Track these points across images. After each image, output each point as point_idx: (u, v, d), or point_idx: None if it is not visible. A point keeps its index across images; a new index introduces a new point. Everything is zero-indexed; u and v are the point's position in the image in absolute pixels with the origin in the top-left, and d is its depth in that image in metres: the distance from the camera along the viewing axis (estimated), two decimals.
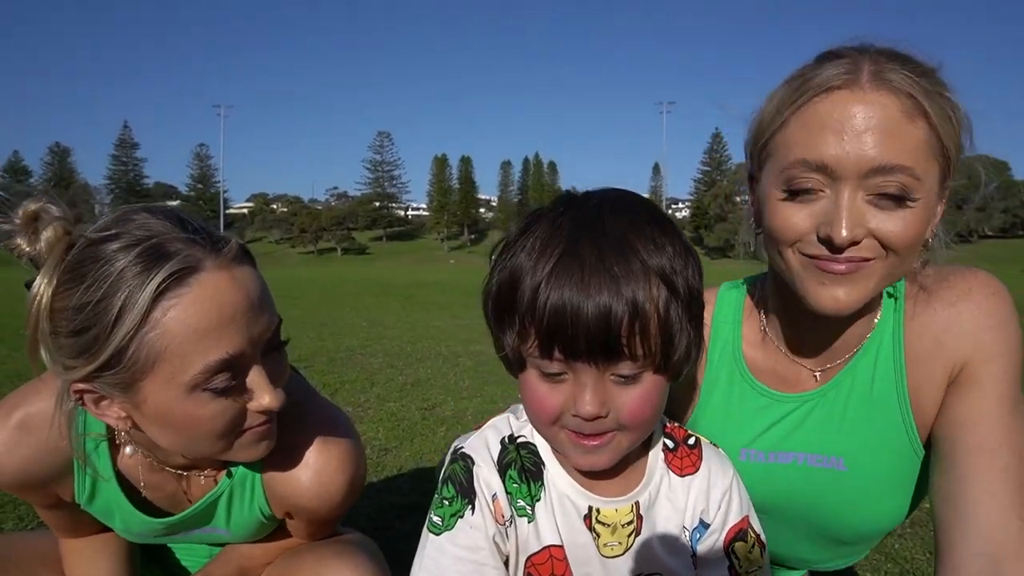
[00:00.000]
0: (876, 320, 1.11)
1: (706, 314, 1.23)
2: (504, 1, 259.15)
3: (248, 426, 0.96)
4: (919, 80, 0.90)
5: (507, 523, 0.92)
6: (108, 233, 0.88)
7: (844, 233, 0.91)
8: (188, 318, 0.85)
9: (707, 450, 1.02)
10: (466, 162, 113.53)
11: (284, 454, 1.09)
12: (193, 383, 0.87)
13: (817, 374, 1.15)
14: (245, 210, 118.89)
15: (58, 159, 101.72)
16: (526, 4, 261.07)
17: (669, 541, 0.96)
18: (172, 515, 1.14)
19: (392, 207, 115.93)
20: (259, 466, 1.12)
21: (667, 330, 0.79)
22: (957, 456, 1.00)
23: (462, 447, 0.97)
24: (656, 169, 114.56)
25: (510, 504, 0.93)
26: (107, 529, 1.20)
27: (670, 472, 0.98)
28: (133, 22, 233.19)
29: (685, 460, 0.99)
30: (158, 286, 0.83)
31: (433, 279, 28.74)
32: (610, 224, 0.80)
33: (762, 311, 1.21)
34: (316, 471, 1.10)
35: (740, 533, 0.99)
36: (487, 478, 0.93)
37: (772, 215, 0.99)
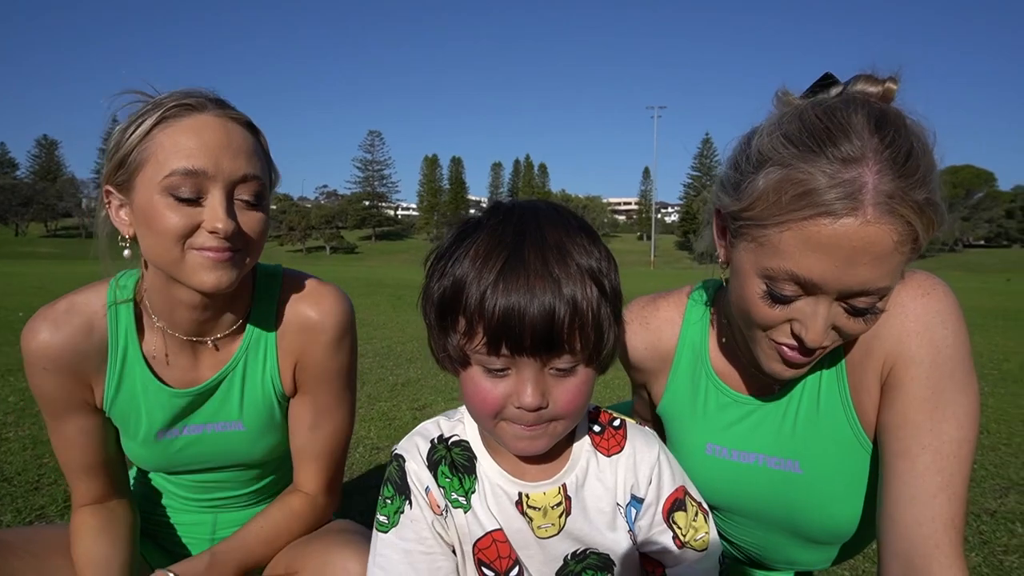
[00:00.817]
0: None
1: (676, 312, 1.31)
2: (497, 2, 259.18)
3: (201, 244, 1.10)
4: (919, 200, 0.89)
5: (443, 513, 1.01)
6: (168, 93, 1.14)
7: (817, 340, 0.97)
8: (174, 136, 1.08)
9: (631, 430, 1.09)
10: (457, 163, 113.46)
11: (296, 310, 1.30)
12: (164, 184, 1.07)
13: (777, 383, 1.20)
14: None
15: (45, 152, 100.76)
16: (519, 5, 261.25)
17: (600, 518, 1.02)
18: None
19: (382, 206, 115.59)
20: (273, 325, 1.31)
21: (599, 326, 0.87)
22: (884, 459, 1.05)
23: (395, 449, 1.06)
24: (646, 173, 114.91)
25: (443, 496, 1.01)
26: (115, 482, 1.35)
27: (597, 453, 1.05)
28: (122, 15, 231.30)
29: (611, 441, 1.06)
30: (163, 113, 1.09)
31: (423, 279, 28.60)
32: (548, 232, 0.88)
33: (725, 320, 1.24)
34: (316, 304, 1.30)
35: (677, 503, 1.05)
36: (418, 473, 1.03)
37: (748, 303, 1.02)
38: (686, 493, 1.07)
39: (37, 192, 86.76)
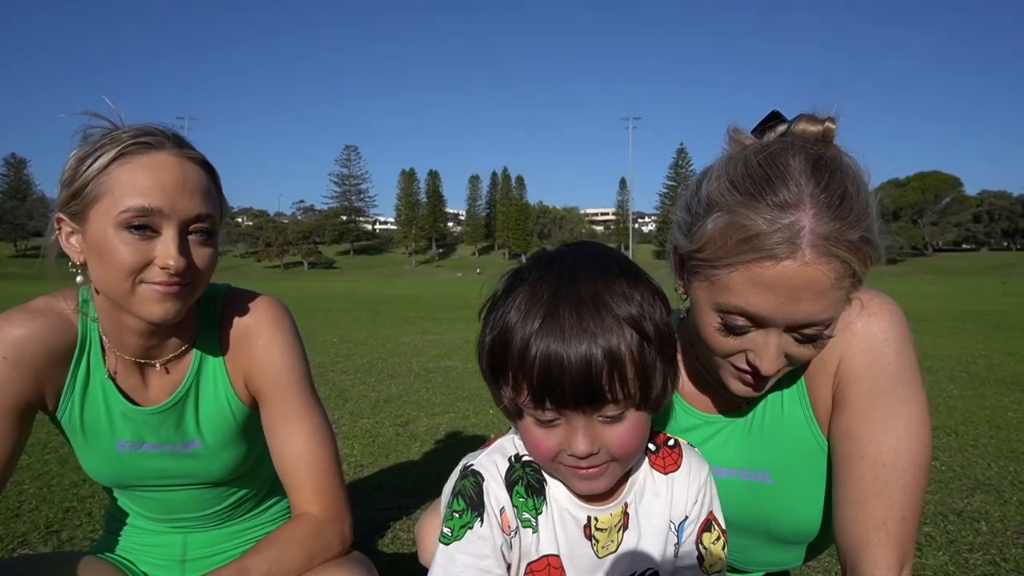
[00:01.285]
0: None
1: None
2: (470, 16, 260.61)
3: (151, 279, 1.14)
4: (853, 240, 0.97)
5: (512, 533, 1.02)
6: (127, 126, 1.18)
7: (770, 368, 1.05)
8: (132, 172, 1.12)
9: (686, 449, 1.13)
10: (434, 176, 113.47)
11: (234, 325, 1.35)
12: (118, 220, 1.11)
13: (744, 401, 1.27)
14: None
15: (14, 170, 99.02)
16: (492, 19, 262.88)
17: (657, 534, 1.06)
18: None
19: (359, 221, 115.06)
20: (217, 346, 1.35)
21: (643, 372, 0.89)
22: (832, 465, 1.15)
23: (472, 464, 1.05)
24: (623, 183, 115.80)
25: (516, 516, 1.02)
26: None
27: (654, 471, 1.08)
28: (91, 30, 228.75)
29: (667, 459, 1.10)
30: (122, 149, 1.12)
31: (401, 293, 28.62)
32: (584, 284, 0.90)
33: (690, 347, 1.30)
34: (251, 312, 1.36)
35: (707, 524, 1.09)
36: (496, 492, 1.02)
37: (705, 333, 1.10)
38: (714, 516, 1.11)
39: (6, 211, 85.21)
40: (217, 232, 1.22)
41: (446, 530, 1.02)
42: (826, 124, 1.06)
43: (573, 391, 0.86)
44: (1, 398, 1.19)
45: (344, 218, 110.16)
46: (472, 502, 1.02)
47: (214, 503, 1.44)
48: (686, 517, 1.08)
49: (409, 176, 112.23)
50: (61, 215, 1.17)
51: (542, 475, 1.05)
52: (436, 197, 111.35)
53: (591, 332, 0.86)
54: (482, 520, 1.00)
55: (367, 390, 5.79)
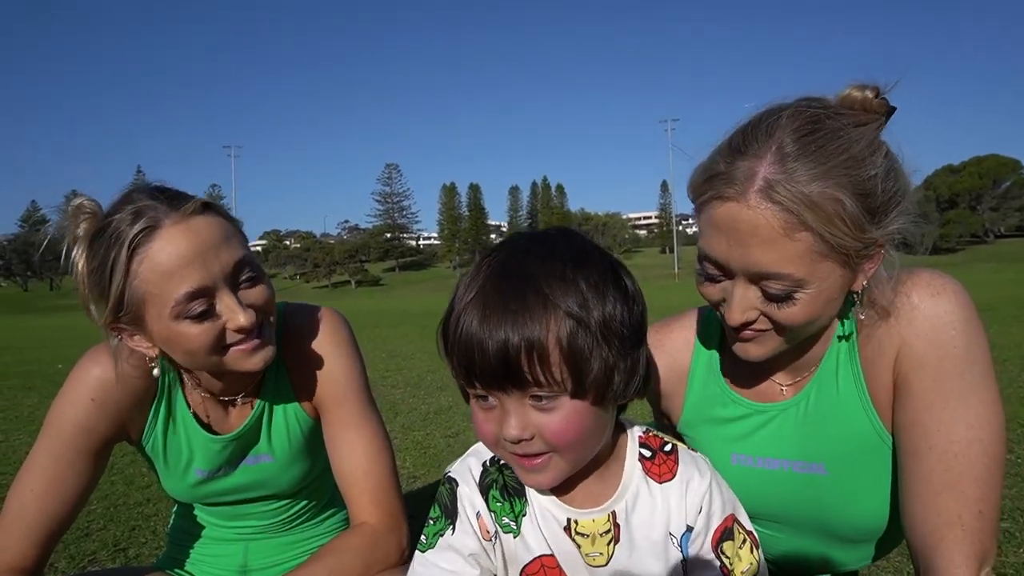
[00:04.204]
0: (832, 338, 1.17)
1: (690, 332, 1.35)
2: (503, 26, 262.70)
3: (231, 342, 1.15)
4: (808, 191, 0.93)
5: (493, 538, 1.00)
6: (108, 212, 1.13)
7: (736, 318, 1.03)
8: (155, 266, 1.08)
9: (683, 455, 1.06)
10: (475, 189, 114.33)
11: (296, 340, 1.35)
12: (174, 314, 1.09)
13: (784, 388, 1.23)
14: (259, 247, 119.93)
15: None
16: (525, 28, 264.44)
17: (650, 548, 1.00)
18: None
19: (403, 237, 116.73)
20: (283, 364, 1.36)
21: (573, 359, 0.84)
22: (898, 458, 1.09)
23: (448, 471, 1.06)
24: (664, 186, 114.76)
25: (494, 521, 1.01)
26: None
27: (648, 479, 1.02)
28: (142, 69, 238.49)
29: (663, 467, 1.04)
30: (130, 246, 1.07)
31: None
32: (523, 265, 0.87)
33: None
34: (311, 327, 1.36)
35: (726, 532, 1.03)
36: (470, 498, 1.02)
37: (697, 282, 1.12)
38: (735, 521, 1.05)
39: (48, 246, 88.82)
40: (258, 263, 1.21)
41: (422, 537, 1.04)
42: (866, 93, 1.02)
43: (491, 371, 0.83)
44: (87, 438, 1.23)
45: (388, 235, 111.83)
46: (446, 509, 1.03)
47: (278, 513, 1.48)
48: (688, 528, 1.01)
49: (450, 191, 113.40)
50: (116, 326, 1.15)
51: None
52: (478, 210, 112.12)
53: (512, 312, 0.83)
54: (454, 528, 1.01)
55: (417, 403, 5.84)
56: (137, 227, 1.08)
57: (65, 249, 1.16)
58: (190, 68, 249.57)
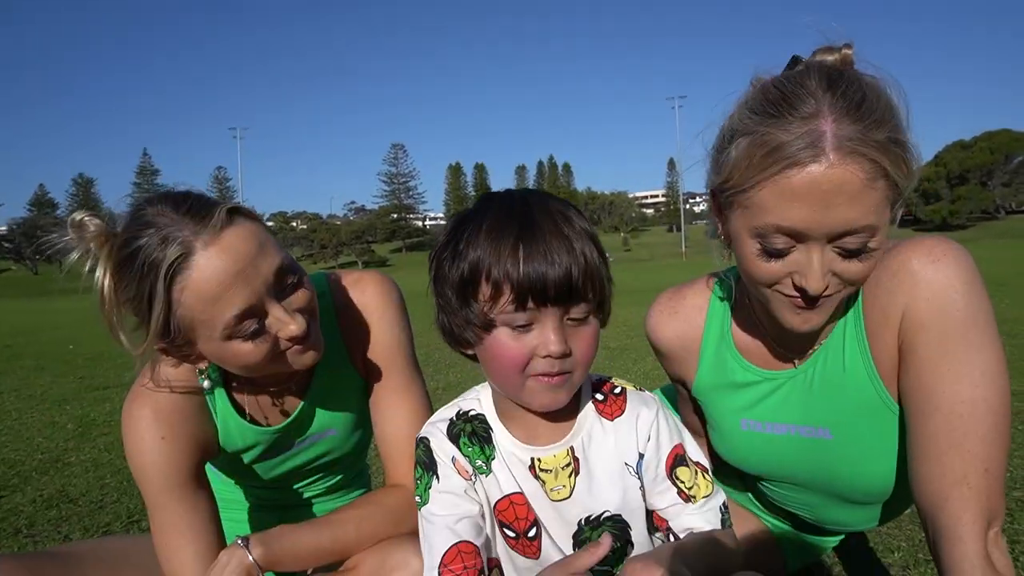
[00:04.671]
0: (842, 305, 1.17)
1: (702, 299, 1.38)
2: (509, 4, 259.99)
3: (286, 349, 1.15)
4: (879, 139, 0.94)
5: (472, 477, 1.11)
6: (129, 236, 1.08)
7: (818, 286, 1.02)
8: (198, 294, 1.05)
9: (631, 395, 1.16)
10: (480, 169, 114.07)
11: (347, 308, 1.37)
12: (225, 335, 1.09)
13: (791, 353, 1.25)
14: None
15: (82, 190, 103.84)
16: (531, 6, 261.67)
17: (608, 477, 1.10)
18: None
19: (410, 218, 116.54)
20: (337, 333, 1.37)
21: (601, 279, 0.98)
22: (906, 420, 1.10)
23: (418, 434, 1.15)
24: (671, 164, 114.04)
25: (469, 463, 1.11)
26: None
27: (601, 419, 1.12)
28: (147, 52, 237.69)
29: (613, 407, 1.14)
30: (166, 276, 1.04)
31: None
32: (549, 202, 1.00)
33: (747, 300, 1.29)
34: (361, 291, 1.39)
35: (678, 459, 1.11)
36: (443, 446, 1.12)
37: (747, 263, 1.08)
38: (684, 451, 1.12)
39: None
40: (295, 264, 1.19)
41: (416, 498, 1.12)
42: (843, 51, 1.05)
43: (556, 287, 0.93)
44: (181, 470, 1.21)
45: (395, 216, 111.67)
46: (425, 464, 1.12)
47: (316, 486, 1.52)
48: (641, 455, 1.10)
49: (456, 171, 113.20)
50: (164, 347, 1.13)
51: (487, 424, 1.12)
52: (484, 190, 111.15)
53: (566, 236, 0.95)
54: (438, 476, 1.10)
55: (426, 379, 5.82)
56: (169, 255, 1.03)
57: (88, 267, 1.12)
58: (196, 50, 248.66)
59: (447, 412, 1.17)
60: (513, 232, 0.95)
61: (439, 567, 1.04)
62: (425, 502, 1.10)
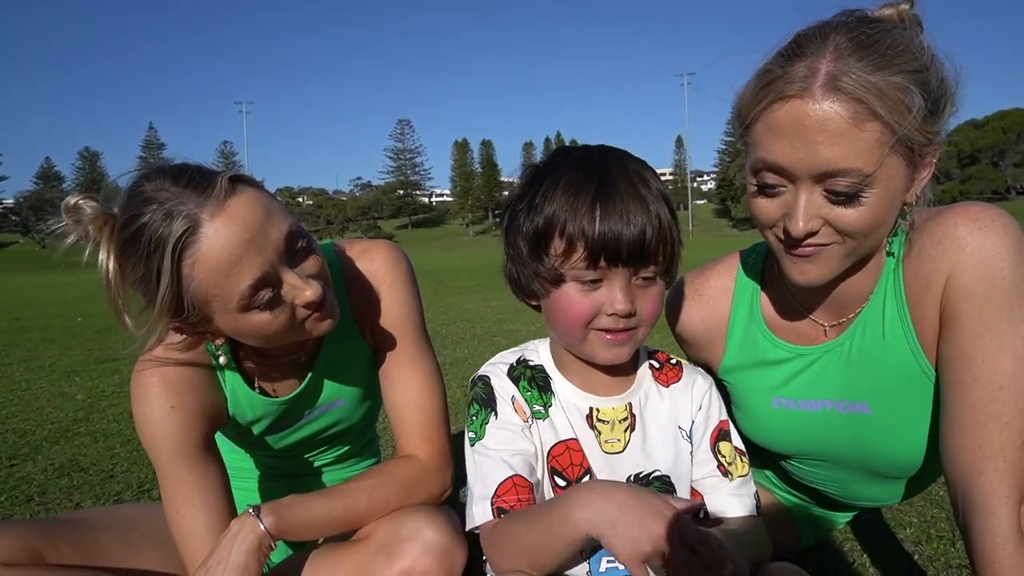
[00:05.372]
0: (880, 273, 1.15)
1: (728, 279, 1.35)
2: None
3: (304, 316, 1.14)
4: (874, 80, 0.92)
5: (529, 420, 1.10)
6: (131, 215, 1.04)
7: (800, 226, 1.00)
8: (209, 267, 1.03)
9: (687, 367, 1.21)
10: (487, 145, 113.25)
11: (356, 278, 1.36)
12: (241, 307, 1.07)
13: (827, 328, 1.22)
14: None
15: (88, 163, 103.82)
16: None
17: (662, 437, 1.12)
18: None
19: (416, 194, 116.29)
20: (346, 303, 1.36)
21: (674, 240, 1.01)
22: (941, 390, 1.08)
23: (477, 374, 1.15)
24: (679, 142, 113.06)
25: (527, 405, 1.11)
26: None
27: (658, 384, 1.17)
28: (154, 25, 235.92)
29: (670, 374, 1.19)
30: (174, 252, 1.01)
31: (461, 264, 28.88)
32: (627, 162, 1.02)
33: (775, 272, 1.26)
34: (371, 260, 1.38)
35: (722, 433, 1.16)
36: (504, 386, 1.13)
37: (750, 203, 1.09)
38: (729, 426, 1.16)
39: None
40: (300, 224, 1.17)
41: (470, 434, 1.12)
42: (900, 7, 1.02)
43: (630, 248, 0.95)
44: (190, 439, 1.20)
45: (401, 192, 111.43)
46: (484, 401, 1.12)
47: (325, 455, 1.53)
48: (693, 422, 1.14)
49: (462, 147, 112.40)
50: (177, 325, 1.12)
51: (546, 373, 1.14)
52: (491, 166, 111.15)
53: (643, 198, 0.97)
54: (496, 413, 1.10)
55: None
56: (176, 229, 1.00)
57: (88, 252, 1.09)
58: (202, 24, 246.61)
59: (507, 356, 1.18)
60: (591, 190, 0.96)
61: (492, 497, 1.03)
62: (480, 437, 1.09)
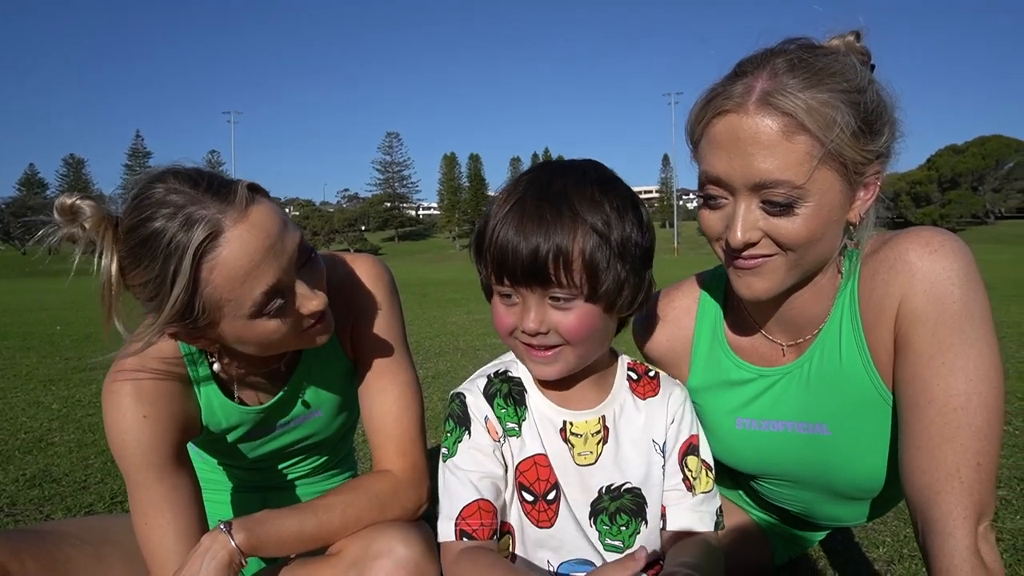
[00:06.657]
0: (835, 296, 1.17)
1: (691, 300, 1.37)
2: None
3: (307, 326, 1.16)
4: (804, 96, 0.97)
5: (500, 440, 1.13)
6: (143, 217, 1.03)
7: (738, 237, 1.04)
8: (228, 271, 1.04)
9: (665, 379, 1.23)
10: (475, 159, 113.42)
11: (336, 289, 1.31)
12: (252, 313, 1.08)
13: (785, 348, 1.24)
14: None
15: (73, 170, 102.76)
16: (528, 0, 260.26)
17: (635, 449, 1.14)
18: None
19: (403, 207, 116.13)
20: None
21: (592, 268, 0.98)
22: (899, 413, 1.10)
23: (455, 391, 1.17)
24: (666, 160, 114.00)
25: (500, 424, 1.14)
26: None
27: (634, 396, 1.18)
28: (142, 33, 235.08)
29: (647, 387, 1.20)
30: (195, 256, 1.01)
31: (446, 277, 28.84)
32: (556, 183, 1.01)
33: (737, 297, 1.27)
34: (350, 272, 1.38)
35: (691, 447, 1.18)
36: (477, 404, 1.15)
37: (699, 217, 1.13)
38: (699, 442, 1.20)
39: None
40: (306, 241, 1.17)
41: (444, 449, 1.14)
42: (846, 38, 1.08)
43: (522, 270, 0.97)
44: (161, 450, 1.18)
45: (388, 205, 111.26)
46: (459, 419, 1.15)
47: (299, 467, 1.53)
48: (666, 436, 1.17)
49: (450, 161, 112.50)
50: (175, 329, 1.10)
51: (523, 386, 1.16)
52: (478, 181, 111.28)
53: (547, 222, 0.97)
54: (470, 432, 1.13)
55: (416, 368, 5.83)
56: (198, 235, 1.01)
57: (83, 253, 1.07)
58: (191, 32, 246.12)
59: (488, 369, 1.21)
60: (512, 206, 1.00)
61: (457, 518, 1.07)
62: (452, 455, 1.12)
